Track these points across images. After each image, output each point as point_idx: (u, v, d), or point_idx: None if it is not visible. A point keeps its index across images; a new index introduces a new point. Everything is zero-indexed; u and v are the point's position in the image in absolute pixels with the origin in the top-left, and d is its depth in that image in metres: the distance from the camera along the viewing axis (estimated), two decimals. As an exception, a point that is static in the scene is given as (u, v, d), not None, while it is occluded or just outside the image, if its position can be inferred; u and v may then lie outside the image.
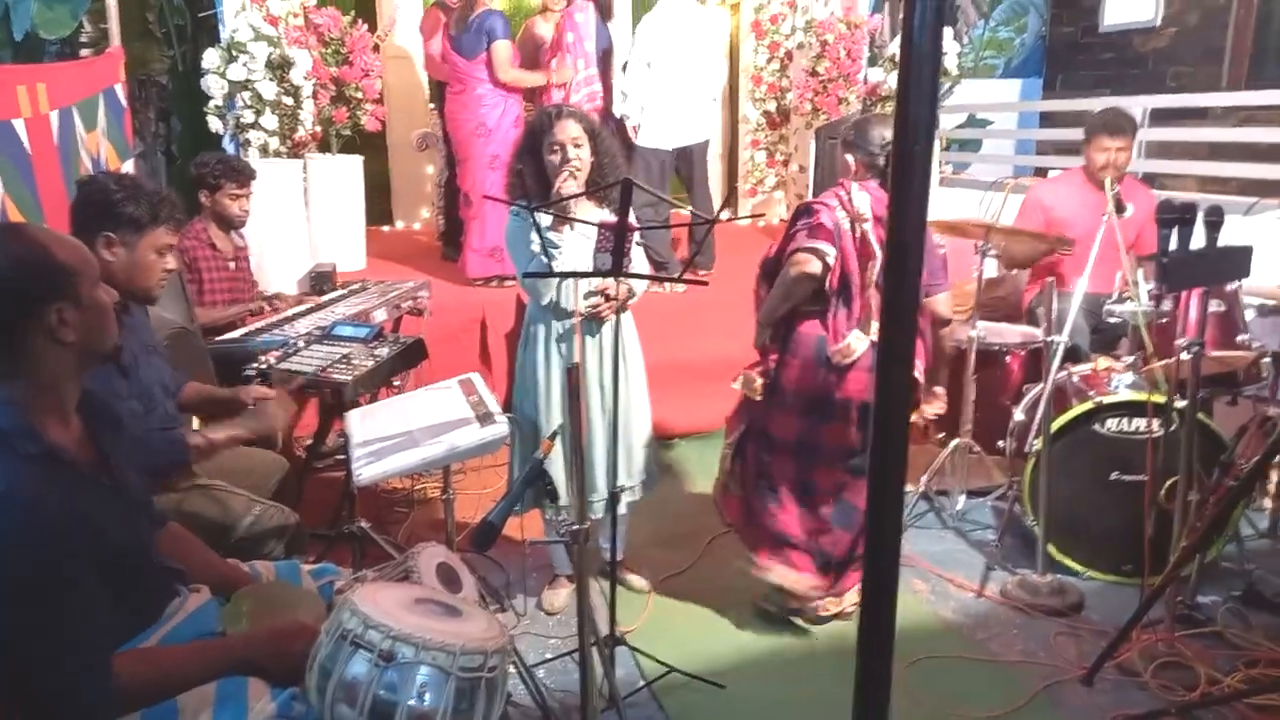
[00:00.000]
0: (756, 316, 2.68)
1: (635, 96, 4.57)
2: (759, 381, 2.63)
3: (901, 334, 0.74)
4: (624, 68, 4.71)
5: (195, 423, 2.68)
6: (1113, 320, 3.07)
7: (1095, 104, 5.11)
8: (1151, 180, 5.04)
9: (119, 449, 1.50)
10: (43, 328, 1.33)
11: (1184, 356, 2.52)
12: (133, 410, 1.94)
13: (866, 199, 2.50)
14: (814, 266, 2.45)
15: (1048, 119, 6.42)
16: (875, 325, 2.46)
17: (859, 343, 2.48)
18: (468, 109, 4.43)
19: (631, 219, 2.18)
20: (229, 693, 1.37)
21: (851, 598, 2.67)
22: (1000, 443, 3.29)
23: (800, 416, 2.57)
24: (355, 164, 4.81)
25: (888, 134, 2.49)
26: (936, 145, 5.92)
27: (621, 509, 2.74)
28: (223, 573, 1.68)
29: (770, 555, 2.67)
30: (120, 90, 3.92)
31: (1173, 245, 2.45)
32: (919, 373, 2.58)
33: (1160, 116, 5.22)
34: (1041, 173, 5.80)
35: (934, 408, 2.89)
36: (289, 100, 4.34)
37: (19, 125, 2.83)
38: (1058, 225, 3.68)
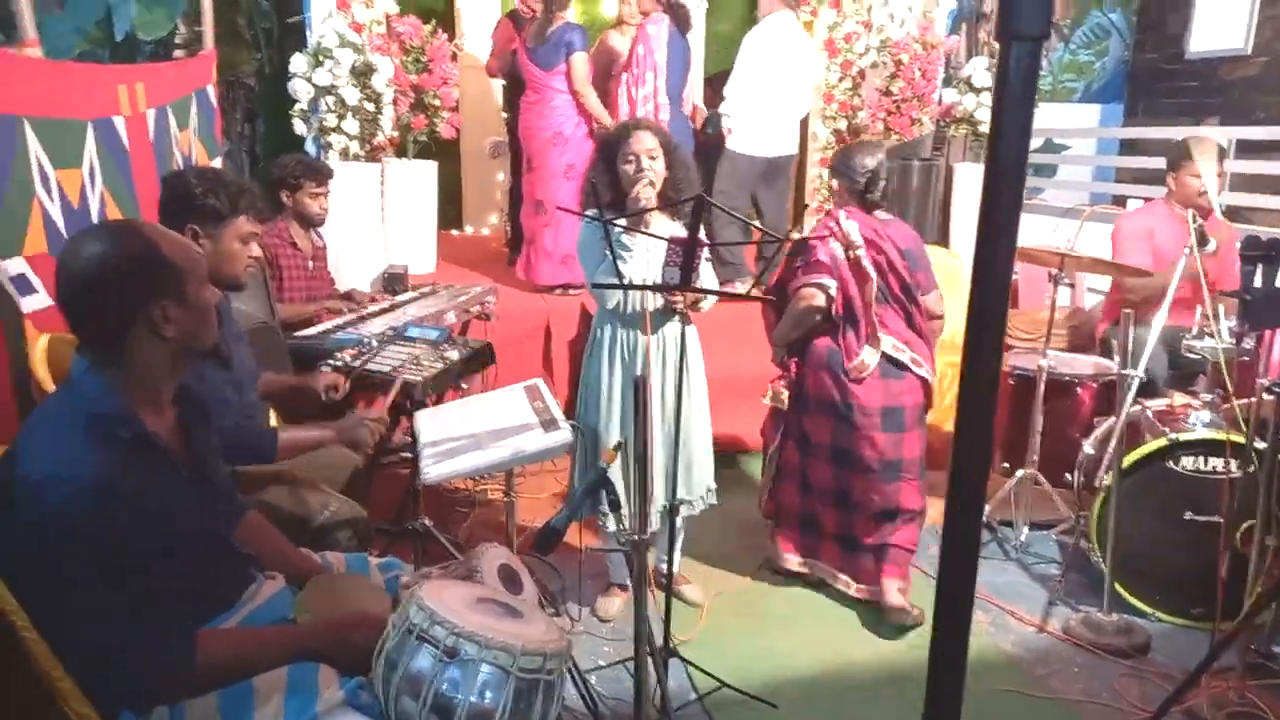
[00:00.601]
0: (769, 337, 2.98)
1: (733, 101, 4.80)
2: (785, 394, 2.92)
3: (981, 405, 0.72)
4: (705, 79, 4.81)
5: (271, 414, 2.78)
6: (1191, 356, 2.98)
7: (1178, 132, 4.98)
8: (1234, 214, 4.88)
9: (208, 440, 1.56)
10: (147, 321, 1.39)
11: (1265, 396, 2.44)
12: (227, 399, 2.02)
13: (855, 226, 2.77)
14: (820, 300, 2.76)
15: (1127, 146, 6.26)
16: (884, 338, 2.77)
17: (871, 358, 2.76)
18: (544, 118, 4.50)
19: (702, 235, 2.20)
20: (300, 678, 1.42)
21: (893, 594, 2.81)
22: (1067, 475, 3.22)
23: (829, 419, 2.83)
24: (430, 169, 4.92)
25: (869, 161, 2.78)
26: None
27: (679, 522, 2.76)
28: (296, 562, 1.73)
29: (793, 546, 3.04)
30: (212, 91, 4.08)
31: (1257, 282, 2.38)
32: (929, 374, 2.84)
33: (1246, 149, 5.06)
34: (1120, 201, 5.66)
35: None
36: (370, 106, 4.46)
37: (119, 122, 2.97)
38: (1160, 255, 3.57)
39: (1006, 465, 3.41)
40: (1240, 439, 2.63)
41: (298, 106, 4.45)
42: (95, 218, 2.65)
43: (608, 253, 2.37)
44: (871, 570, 2.86)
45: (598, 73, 4.94)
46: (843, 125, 6.09)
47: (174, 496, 1.42)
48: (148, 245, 1.40)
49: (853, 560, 2.91)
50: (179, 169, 2.23)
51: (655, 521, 2.67)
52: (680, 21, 4.74)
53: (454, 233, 6.47)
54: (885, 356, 2.77)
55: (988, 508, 3.38)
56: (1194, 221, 2.93)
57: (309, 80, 4.35)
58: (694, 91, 5.06)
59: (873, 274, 2.75)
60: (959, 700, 0.82)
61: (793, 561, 3.04)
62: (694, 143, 4.90)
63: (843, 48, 6.00)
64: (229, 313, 2.26)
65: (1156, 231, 3.60)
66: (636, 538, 1.77)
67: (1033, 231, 5.37)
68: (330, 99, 4.37)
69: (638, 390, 1.84)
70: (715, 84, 5.54)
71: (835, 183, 2.88)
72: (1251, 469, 2.56)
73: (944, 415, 3.75)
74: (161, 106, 3.52)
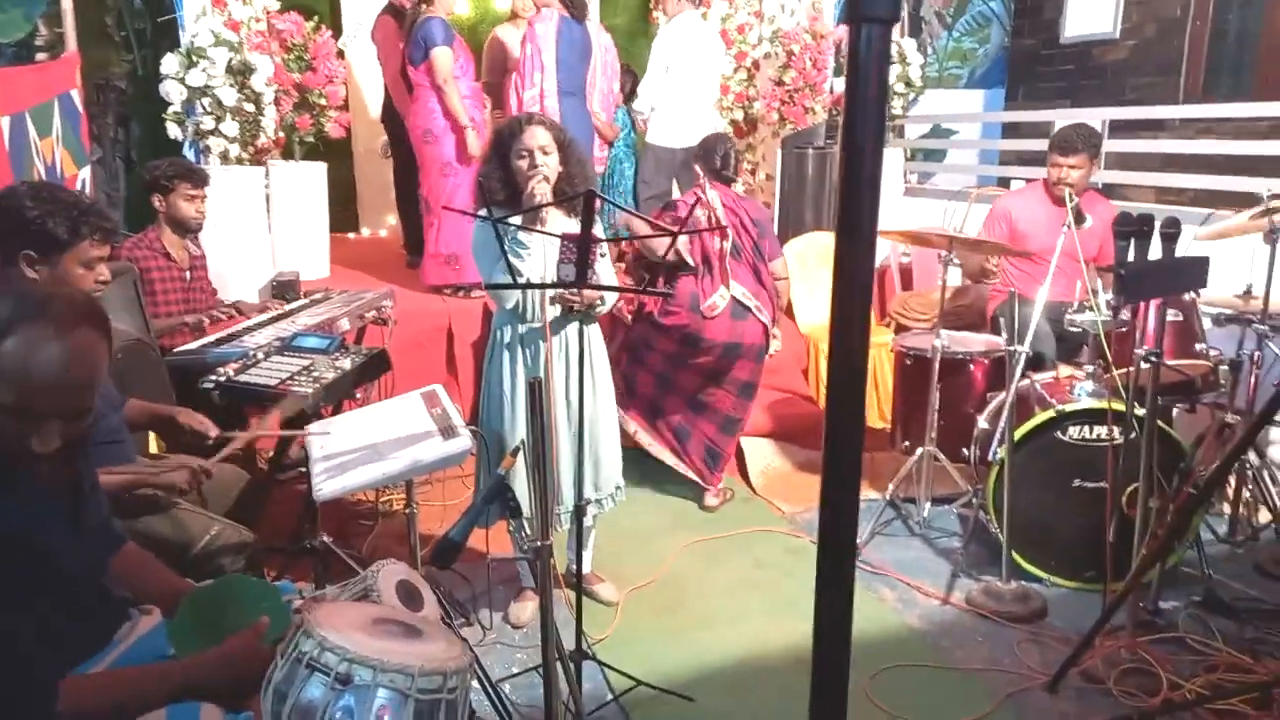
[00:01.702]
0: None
1: (648, 97, 5.05)
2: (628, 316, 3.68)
3: (851, 376, 0.73)
4: (602, 68, 4.81)
5: (152, 440, 2.63)
6: (1073, 329, 3.11)
7: (1056, 115, 5.19)
8: (1111, 191, 5.12)
9: (88, 464, 1.46)
10: None
11: (1143, 365, 2.55)
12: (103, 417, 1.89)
13: (716, 195, 3.49)
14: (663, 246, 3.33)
15: (1011, 129, 6.51)
16: (736, 286, 3.48)
17: (721, 300, 3.47)
18: (415, 115, 4.39)
19: (598, 230, 2.17)
20: (180, 718, 1.34)
21: (709, 498, 3.66)
22: (965, 450, 3.32)
23: (676, 345, 3.52)
24: (319, 171, 4.75)
25: (720, 147, 3.53)
26: (901, 155, 5.98)
27: (588, 521, 2.73)
28: (180, 591, 1.63)
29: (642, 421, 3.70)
30: (76, 95, 3.84)
31: (1130, 256, 2.48)
32: (769, 315, 3.56)
33: (1119, 128, 5.31)
34: (1004, 183, 5.88)
35: (774, 344, 3.69)
36: (250, 107, 4.28)
37: (-33, 132, 2.77)
38: (1020, 236, 3.73)
39: (907, 444, 3.49)
40: (1121, 407, 2.75)
41: (171, 109, 4.23)
42: (-57, 234, 2.45)
43: (503, 252, 2.32)
44: (697, 465, 3.65)
45: (493, 69, 4.84)
46: (739, 115, 6.15)
47: (39, 526, 1.32)
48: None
49: (684, 447, 3.67)
50: (11, 187, 2.04)
51: (564, 522, 2.64)
52: (576, 10, 4.66)
53: (350, 235, 6.28)
54: (735, 301, 3.46)
55: (890, 486, 3.46)
56: (1071, 200, 3.04)
57: (182, 81, 4.14)
58: (610, 82, 4.98)
59: (729, 232, 3.43)
60: (844, 676, 0.81)
61: (639, 433, 3.68)
62: (594, 136, 4.85)
63: (736, 39, 6.05)
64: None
65: (1018, 212, 3.78)
66: (539, 543, 1.73)
67: (924, 214, 5.53)
68: (206, 100, 4.17)
69: (534, 392, 1.80)
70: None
71: (696, 167, 3.55)
72: (1133, 435, 2.68)
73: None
74: (18, 114, 3.30)
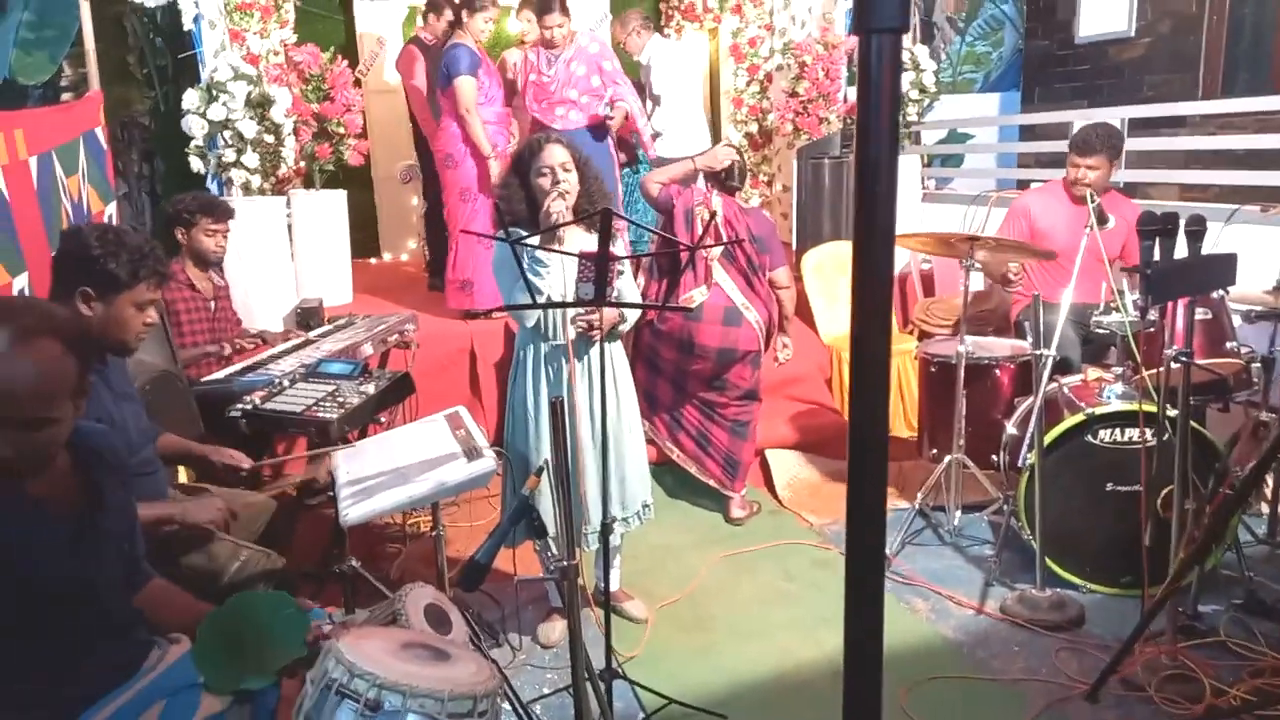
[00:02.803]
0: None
1: (651, 125, 5.17)
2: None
3: (874, 388, 0.72)
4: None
5: (182, 472, 2.65)
6: (1100, 331, 3.07)
7: (1073, 115, 5.15)
8: (1134, 190, 5.06)
9: (109, 493, 1.48)
10: None
11: (1173, 365, 2.51)
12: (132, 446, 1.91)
13: (721, 201, 3.55)
14: (654, 189, 3.64)
15: (1028, 132, 6.46)
16: (730, 286, 3.53)
17: (700, 295, 3.50)
18: (438, 141, 4.43)
19: (621, 248, 2.17)
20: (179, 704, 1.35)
21: (734, 508, 3.68)
22: (993, 456, 3.28)
23: (676, 351, 3.59)
24: (339, 199, 4.81)
25: (726, 160, 3.57)
26: (918, 161, 5.95)
27: (615, 540, 2.72)
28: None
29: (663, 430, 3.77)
30: (100, 133, 3.91)
31: (1156, 256, 2.45)
32: (763, 321, 3.59)
33: (1139, 125, 5.26)
34: (1024, 185, 5.82)
35: (784, 354, 3.76)
36: (270, 138, 4.34)
37: (-3, 172, 2.82)
38: (1040, 235, 3.69)
39: (934, 451, 3.45)
40: (1153, 408, 2.71)
41: (194, 143, 4.30)
42: (-25, 274, 2.51)
43: (521, 272, 2.33)
44: (718, 474, 3.68)
45: (508, 92, 4.86)
46: (754, 128, 6.16)
47: (25, 545, 1.35)
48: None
49: (704, 454, 3.70)
50: (78, 227, 2.09)
51: (591, 542, 2.63)
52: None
53: (371, 261, 6.34)
54: (726, 305, 3.51)
55: (920, 495, 3.42)
56: (1092, 201, 3.01)
57: (203, 115, 4.21)
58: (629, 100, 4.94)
59: (724, 236, 3.51)
60: (878, 685, 0.80)
61: (665, 443, 3.74)
62: (613, 160, 4.85)
63: (748, 53, 6.06)
64: (121, 370, 2.15)
65: (1038, 210, 3.74)
66: (565, 563, 1.73)
67: (943, 220, 5.49)
68: (227, 133, 4.24)
69: (556, 412, 1.80)
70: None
71: (705, 177, 3.66)
72: (1166, 436, 2.64)
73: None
74: (46, 153, 3.36)
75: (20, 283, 2.75)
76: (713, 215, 3.45)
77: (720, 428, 3.68)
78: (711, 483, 3.69)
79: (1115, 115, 4.66)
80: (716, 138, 6.58)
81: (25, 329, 1.31)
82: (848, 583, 0.80)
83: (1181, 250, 2.49)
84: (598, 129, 4.64)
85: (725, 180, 3.57)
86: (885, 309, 0.72)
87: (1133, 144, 5.07)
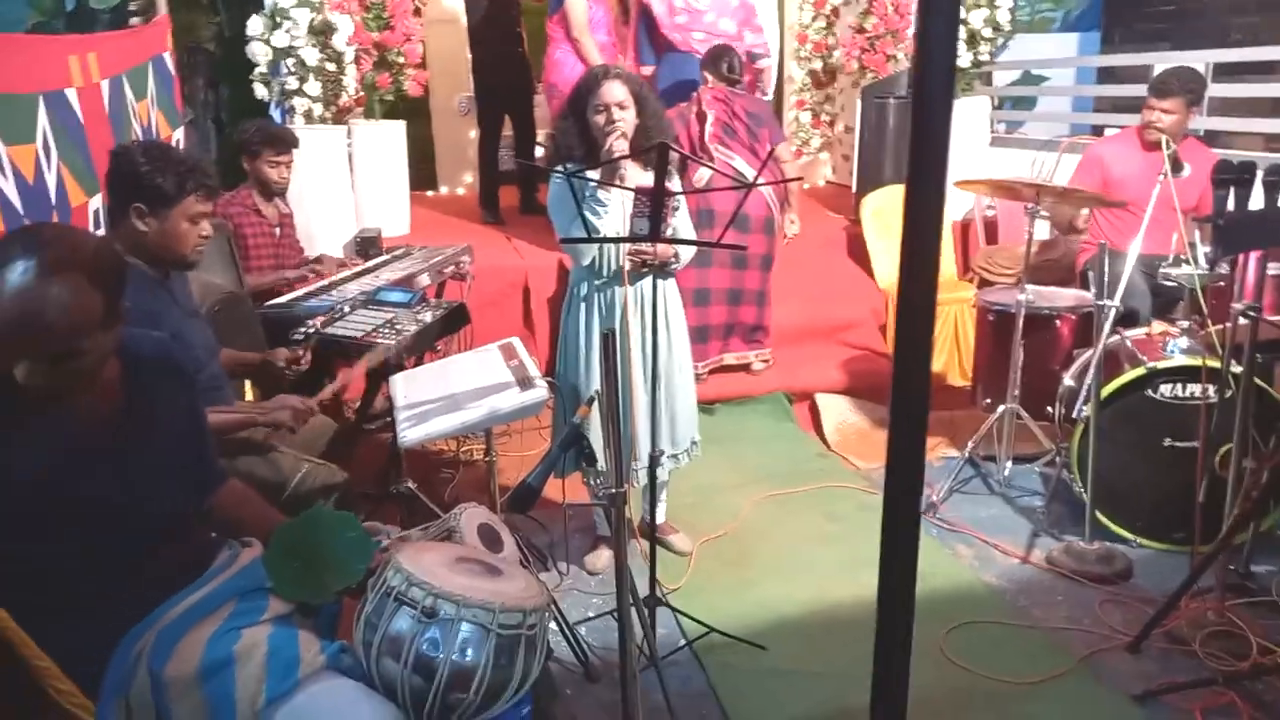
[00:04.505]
0: None
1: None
2: None
3: (919, 333, 0.73)
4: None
5: (248, 388, 2.75)
6: (1169, 284, 2.98)
7: (1154, 59, 4.92)
8: (1215, 138, 4.85)
9: (162, 406, 1.52)
10: None
11: (1241, 320, 2.44)
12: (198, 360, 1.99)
13: (710, 94, 3.97)
14: None
15: (1106, 75, 6.20)
16: (734, 157, 3.90)
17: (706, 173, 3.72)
18: (547, 70, 4.41)
19: (676, 184, 2.16)
20: (280, 644, 1.42)
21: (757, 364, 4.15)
22: (1048, 408, 3.23)
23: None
24: (398, 129, 4.83)
25: (727, 56, 4.05)
26: (988, 103, 5.76)
27: (663, 475, 2.76)
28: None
29: None
30: (168, 58, 3.97)
31: (1230, 206, 2.36)
32: (773, 191, 4.01)
33: (1224, 71, 5.01)
34: (1098, 131, 5.62)
35: (792, 229, 4.33)
36: (332, 66, 4.36)
37: (71, 94, 2.89)
38: (1114, 184, 3.58)
39: (988, 401, 3.42)
40: (1217, 364, 2.64)
41: (258, 70, 4.35)
42: (53, 195, 2.59)
43: (579, 210, 2.34)
44: (744, 348, 4.09)
45: (616, 20, 4.77)
46: (818, 65, 6.01)
47: (86, 467, 1.41)
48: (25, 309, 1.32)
49: (727, 343, 4.07)
50: (125, 145, 2.15)
51: (640, 477, 2.67)
52: None
53: (428, 193, 6.38)
54: (735, 174, 3.76)
55: (970, 444, 3.40)
56: (1168, 148, 2.91)
57: (267, 42, 4.24)
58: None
59: (708, 115, 3.93)
60: (909, 624, 0.81)
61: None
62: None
63: (815, -15, 5.89)
64: (184, 289, 2.22)
65: (1112, 158, 3.63)
66: (614, 491, 1.77)
67: (1012, 165, 5.33)
68: (290, 61, 4.27)
69: (608, 345, 1.82)
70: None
71: (707, 71, 4.06)
72: (1229, 393, 2.58)
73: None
74: (116, 76, 3.43)
75: (95, 204, 2.84)
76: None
77: (748, 304, 4.03)
78: (735, 359, 4.07)
79: (1200, 59, 4.45)
80: (781, 76, 6.45)
81: (48, 264, 1.30)
82: (884, 524, 0.80)
83: (1257, 201, 2.39)
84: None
85: (728, 74, 4.00)
86: (935, 244, 0.72)
87: (1217, 90, 4.84)
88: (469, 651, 1.41)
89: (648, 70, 4.67)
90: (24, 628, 1.34)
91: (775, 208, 4.01)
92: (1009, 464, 3.37)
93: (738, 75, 4.04)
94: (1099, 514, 2.88)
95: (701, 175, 3.76)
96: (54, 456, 1.39)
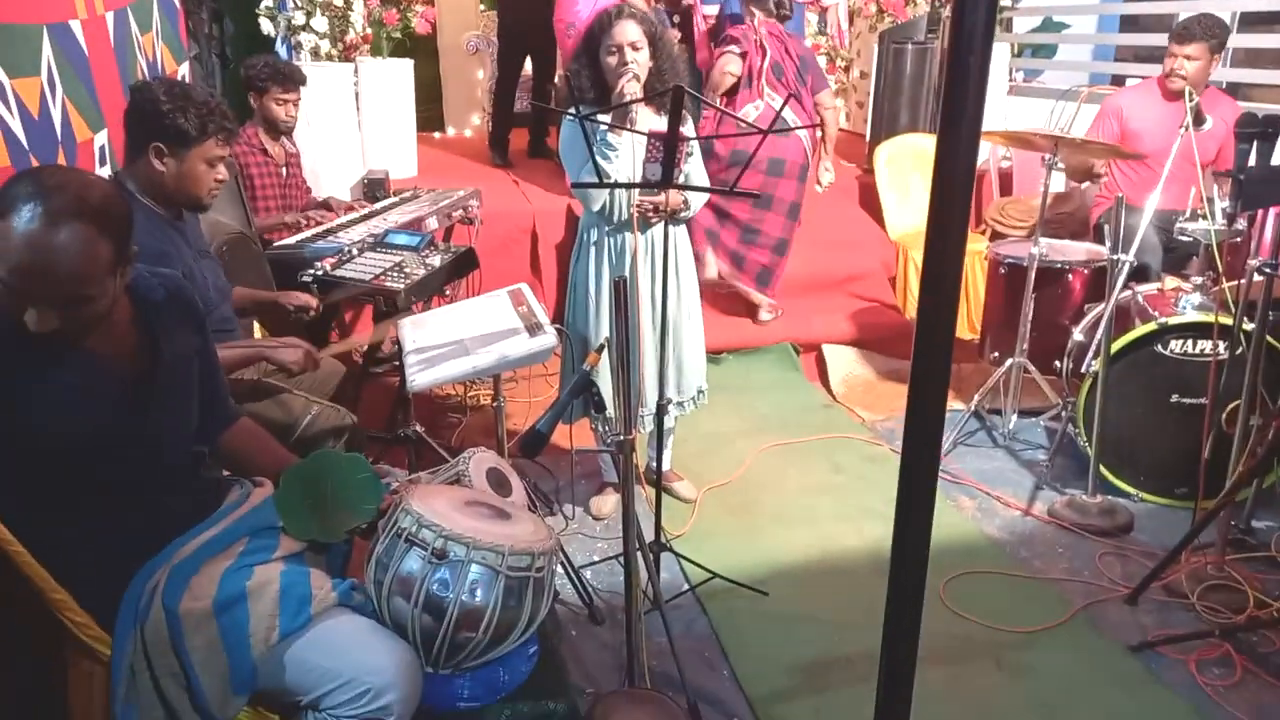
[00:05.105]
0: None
1: None
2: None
3: (946, 279, 0.71)
4: None
5: (256, 327, 2.76)
6: (1184, 239, 2.95)
7: (1179, 6, 4.80)
8: (1239, 91, 4.75)
9: (175, 343, 1.53)
10: None
11: (1255, 278, 2.42)
12: (209, 301, 1.99)
13: (765, 29, 3.95)
14: (733, 64, 3.93)
15: (1129, 23, 6.05)
16: (776, 100, 3.83)
17: (755, 110, 3.85)
18: (560, 6, 4.32)
19: (689, 129, 2.13)
20: (293, 581, 1.45)
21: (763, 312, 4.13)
22: (1056, 363, 3.23)
23: (725, 168, 3.80)
24: (406, 68, 4.75)
25: None
26: (1007, 50, 5.64)
27: (669, 422, 2.77)
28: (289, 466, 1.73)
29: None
30: (173, -9, 3.90)
31: (1252, 161, 2.33)
32: (809, 135, 4.01)
33: (1250, 21, 4.88)
34: (1119, 81, 5.51)
35: (826, 176, 4.38)
36: (339, 2, 4.28)
37: (75, 26, 2.84)
38: (1132, 136, 3.52)
39: (996, 354, 3.41)
40: (1228, 321, 2.63)
41: (264, 4, 4.27)
42: (59, 130, 2.56)
43: (590, 154, 2.31)
44: (751, 282, 4.03)
45: None
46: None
47: (97, 405, 1.42)
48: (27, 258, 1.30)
49: (739, 269, 4.03)
50: (146, 81, 2.10)
51: (647, 423, 2.68)
52: None
53: (435, 135, 6.31)
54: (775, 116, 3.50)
55: (976, 396, 3.41)
56: (1191, 99, 2.85)
57: (273, -24, 4.16)
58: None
59: (769, 51, 3.90)
60: (923, 572, 0.82)
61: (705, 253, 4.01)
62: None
63: (833, -75, 5.73)
64: (196, 229, 2.21)
65: (1131, 110, 3.57)
66: (621, 438, 1.78)
67: (1029, 115, 5.24)
68: (296, -4, 4.19)
69: (618, 291, 1.81)
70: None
71: (752, 8, 3.99)
72: (1239, 351, 2.56)
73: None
74: (121, 9, 3.36)
75: (100, 139, 2.81)
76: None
77: (761, 247, 3.99)
78: (743, 288, 4.04)
79: (1225, 7, 4.34)
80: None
81: (54, 212, 1.28)
82: (901, 479, 0.80)
83: (1281, 156, 2.36)
84: None
85: (778, 8, 4.00)
86: (966, 193, 0.71)
87: (1241, 40, 4.73)
88: (478, 592, 1.44)
89: (712, 9, 4.63)
90: (41, 562, 1.37)
91: (809, 155, 3.96)
92: (1014, 417, 3.38)
93: (788, 10, 4.01)
94: (1103, 467, 2.90)
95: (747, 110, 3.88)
96: (68, 395, 1.40)
